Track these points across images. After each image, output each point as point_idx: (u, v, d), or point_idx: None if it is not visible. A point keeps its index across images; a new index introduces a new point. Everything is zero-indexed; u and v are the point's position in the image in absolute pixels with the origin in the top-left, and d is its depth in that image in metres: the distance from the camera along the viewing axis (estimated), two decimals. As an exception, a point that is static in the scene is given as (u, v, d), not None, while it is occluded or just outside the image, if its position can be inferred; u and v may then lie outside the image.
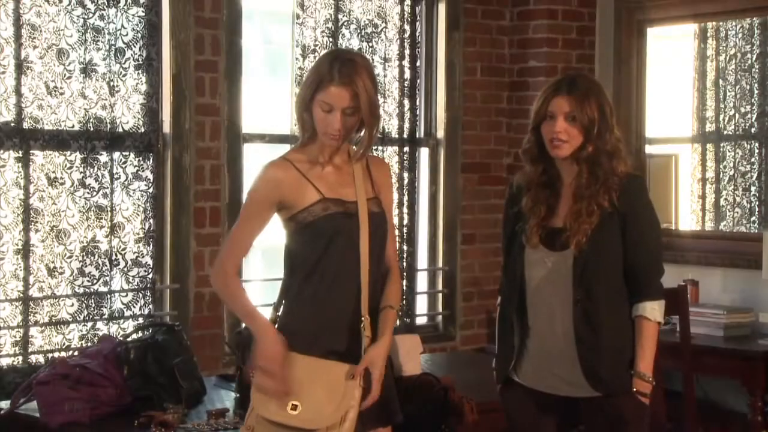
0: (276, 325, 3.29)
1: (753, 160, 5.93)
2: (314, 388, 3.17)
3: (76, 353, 4.53)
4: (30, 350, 4.79)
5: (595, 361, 3.36)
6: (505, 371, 3.52)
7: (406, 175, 6.07)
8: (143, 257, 5.10)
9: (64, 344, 4.88)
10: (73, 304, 4.90)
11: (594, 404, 3.40)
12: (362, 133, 3.31)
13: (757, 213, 5.91)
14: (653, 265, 3.46)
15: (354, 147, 3.39)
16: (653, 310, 3.41)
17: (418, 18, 6.15)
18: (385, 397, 3.31)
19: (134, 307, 5.08)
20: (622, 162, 3.44)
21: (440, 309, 6.30)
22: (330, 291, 3.23)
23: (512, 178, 3.65)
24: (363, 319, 3.21)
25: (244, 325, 4.95)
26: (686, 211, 6.16)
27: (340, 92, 3.19)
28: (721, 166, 6.03)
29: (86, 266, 4.93)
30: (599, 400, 3.38)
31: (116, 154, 5.02)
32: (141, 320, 5.06)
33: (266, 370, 3.17)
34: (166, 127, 5.16)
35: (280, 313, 3.32)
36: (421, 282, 6.27)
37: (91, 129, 4.92)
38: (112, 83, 4.98)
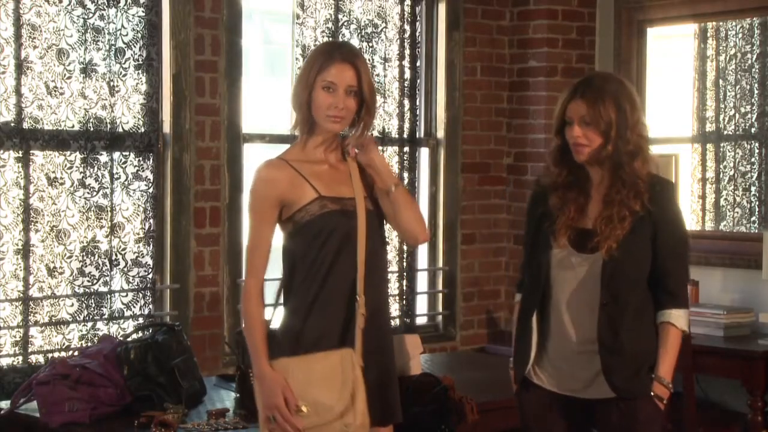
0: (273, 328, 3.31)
1: (753, 160, 5.93)
2: (314, 384, 3.18)
3: (76, 353, 4.53)
4: (30, 350, 4.79)
5: (616, 364, 3.33)
6: (522, 372, 3.49)
7: (406, 175, 6.07)
8: (143, 257, 5.10)
9: (64, 344, 4.87)
10: (73, 304, 4.90)
11: (609, 406, 3.36)
12: (357, 131, 3.33)
13: (757, 213, 5.91)
14: (682, 273, 3.43)
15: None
16: (679, 318, 3.37)
17: (418, 18, 6.15)
18: (387, 396, 3.32)
19: (134, 307, 5.08)
20: (646, 161, 3.38)
21: (440, 309, 6.30)
22: (327, 291, 3.24)
23: (540, 176, 3.61)
24: (358, 298, 3.22)
25: (244, 324, 4.96)
26: (686, 211, 6.15)
27: (344, 69, 3.24)
28: (721, 166, 6.03)
29: (86, 266, 4.93)
30: (615, 401, 3.35)
31: (116, 154, 5.02)
32: (141, 320, 5.06)
33: (275, 417, 3.19)
34: (166, 127, 5.16)
35: (279, 316, 3.33)
36: (421, 282, 6.27)
37: (91, 129, 4.92)
38: (112, 83, 4.98)
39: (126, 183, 5.04)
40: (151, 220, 5.12)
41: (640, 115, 3.40)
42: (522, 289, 3.59)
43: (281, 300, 3.34)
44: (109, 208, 4.98)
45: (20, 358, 4.77)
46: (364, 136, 3.34)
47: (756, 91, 5.89)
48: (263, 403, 3.22)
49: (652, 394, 3.35)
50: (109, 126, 4.98)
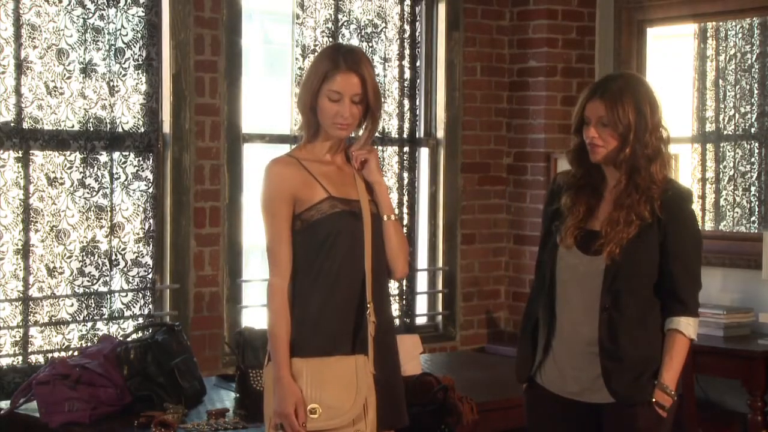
0: None
1: (753, 160, 5.93)
2: (328, 388, 3.17)
3: (76, 353, 4.53)
4: (30, 350, 4.79)
5: (617, 369, 3.31)
6: (526, 371, 3.47)
7: (406, 175, 6.06)
8: (143, 257, 5.10)
9: (64, 344, 4.87)
10: (72, 304, 4.90)
11: (610, 411, 3.35)
12: (361, 132, 3.33)
13: (757, 213, 5.91)
14: (692, 281, 3.38)
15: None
16: (688, 326, 3.33)
17: (418, 18, 6.15)
18: (395, 400, 3.32)
19: (134, 307, 5.08)
20: (664, 164, 3.36)
21: (440, 309, 6.30)
22: (334, 292, 3.23)
23: (558, 174, 3.59)
24: (368, 305, 3.22)
25: (244, 325, 4.99)
26: (686, 212, 6.14)
27: (349, 78, 3.22)
28: (721, 166, 6.03)
29: (86, 266, 4.93)
30: (617, 407, 3.33)
31: (116, 154, 5.02)
32: (141, 320, 5.06)
33: (283, 427, 3.17)
34: (166, 127, 5.16)
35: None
36: (421, 282, 6.27)
37: (91, 129, 4.92)
38: (112, 83, 4.98)
39: (126, 183, 5.04)
40: (151, 220, 5.12)
41: (661, 118, 3.37)
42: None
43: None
44: (109, 208, 4.98)
45: (20, 358, 4.77)
46: (368, 141, 3.34)
47: (756, 91, 5.89)
48: (274, 409, 3.19)
49: (653, 400, 3.32)
50: (109, 126, 4.98)
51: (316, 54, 5.05)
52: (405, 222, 6.04)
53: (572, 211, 3.39)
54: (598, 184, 3.41)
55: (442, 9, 6.22)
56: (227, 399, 4.40)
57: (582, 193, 3.40)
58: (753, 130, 5.92)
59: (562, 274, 3.40)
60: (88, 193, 4.93)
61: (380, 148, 5.90)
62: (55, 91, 4.82)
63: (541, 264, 3.50)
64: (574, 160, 3.45)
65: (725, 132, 6.01)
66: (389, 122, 5.99)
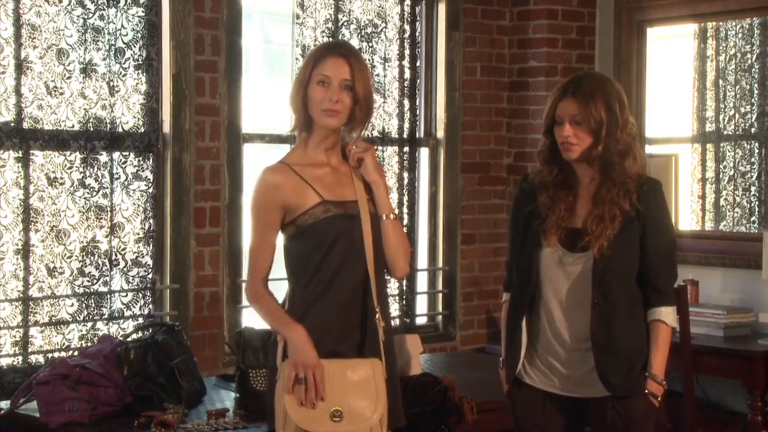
0: None
1: (753, 160, 5.93)
2: (350, 391, 3.16)
3: (76, 353, 4.53)
4: (30, 350, 4.79)
5: (611, 363, 3.35)
6: (513, 372, 3.49)
7: (406, 175, 6.06)
8: (143, 257, 5.10)
9: (64, 344, 4.87)
10: (73, 304, 4.90)
11: (604, 404, 3.39)
12: (355, 134, 3.33)
13: (757, 213, 5.91)
14: (670, 271, 3.47)
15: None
16: (668, 315, 3.42)
17: (418, 18, 6.15)
18: (394, 401, 3.32)
19: (134, 307, 5.08)
20: (636, 160, 3.40)
21: (440, 309, 6.30)
22: (335, 294, 3.23)
23: (528, 174, 3.61)
24: (376, 310, 3.22)
25: (244, 325, 4.99)
26: (686, 211, 6.16)
27: (338, 62, 3.24)
28: (721, 166, 6.03)
29: (86, 266, 4.93)
30: (609, 400, 3.37)
31: (116, 154, 5.02)
32: (141, 320, 5.06)
33: (305, 376, 3.15)
34: (166, 127, 5.16)
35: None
36: (421, 282, 6.27)
37: (91, 129, 4.92)
38: (112, 83, 4.98)
39: (126, 183, 5.04)
40: (151, 220, 5.12)
41: (629, 114, 3.44)
42: (510, 288, 3.59)
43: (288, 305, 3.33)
44: (109, 208, 4.98)
45: (20, 358, 4.77)
46: (362, 137, 3.33)
47: (756, 91, 5.89)
48: (293, 360, 3.15)
49: (646, 391, 3.38)
50: (109, 126, 4.98)
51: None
52: (405, 222, 6.04)
53: (553, 210, 3.42)
54: (572, 182, 3.45)
55: (442, 9, 6.22)
56: (227, 399, 4.40)
57: (559, 192, 3.44)
58: (753, 130, 5.92)
59: (548, 274, 3.42)
60: (88, 193, 4.93)
61: (380, 148, 5.90)
62: (55, 91, 4.82)
63: (520, 266, 3.50)
64: (546, 161, 3.48)
65: (725, 132, 6.01)
66: (389, 122, 5.99)
